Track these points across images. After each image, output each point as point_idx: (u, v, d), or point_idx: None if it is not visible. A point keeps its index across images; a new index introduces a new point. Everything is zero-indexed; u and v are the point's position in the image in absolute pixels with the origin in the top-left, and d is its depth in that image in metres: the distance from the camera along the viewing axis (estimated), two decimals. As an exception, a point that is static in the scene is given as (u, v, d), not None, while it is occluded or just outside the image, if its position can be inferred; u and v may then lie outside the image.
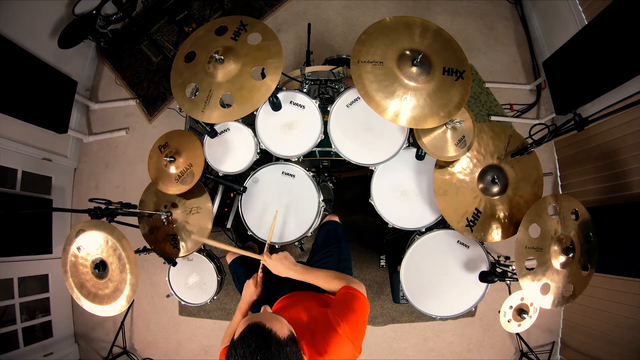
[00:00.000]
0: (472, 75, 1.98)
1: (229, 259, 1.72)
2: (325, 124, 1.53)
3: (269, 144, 1.56)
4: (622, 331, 2.02)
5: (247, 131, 1.59)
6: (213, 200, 1.65)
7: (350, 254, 1.61)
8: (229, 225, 1.85)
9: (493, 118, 2.67)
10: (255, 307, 1.34)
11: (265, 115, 1.57)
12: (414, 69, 1.28)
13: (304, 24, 2.55)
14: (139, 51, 2.97)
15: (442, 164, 1.48)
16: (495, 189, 1.45)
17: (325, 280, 1.13)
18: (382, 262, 2.41)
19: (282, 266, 1.18)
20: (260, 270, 1.32)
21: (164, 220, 1.59)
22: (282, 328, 0.73)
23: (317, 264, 1.51)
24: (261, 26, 1.41)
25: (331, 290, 1.11)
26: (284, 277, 1.21)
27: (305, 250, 2.35)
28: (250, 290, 1.30)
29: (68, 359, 2.52)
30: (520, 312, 1.44)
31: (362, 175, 2.20)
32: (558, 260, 1.31)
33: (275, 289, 1.33)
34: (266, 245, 1.37)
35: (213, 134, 1.58)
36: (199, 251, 1.76)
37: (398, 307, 2.42)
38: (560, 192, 2.54)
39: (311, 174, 1.62)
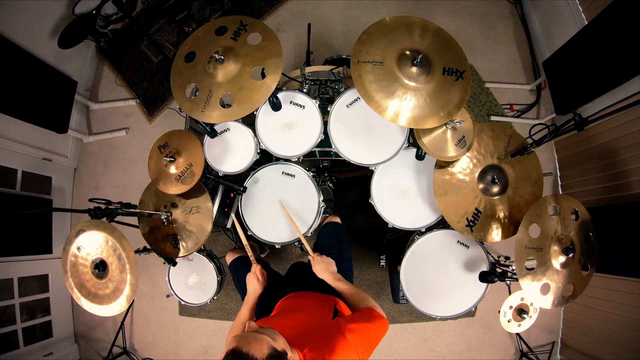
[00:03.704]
0: (472, 75, 1.97)
1: (229, 259, 1.72)
2: (325, 124, 1.53)
3: (269, 144, 1.56)
4: (622, 331, 2.02)
5: (247, 131, 1.59)
6: (213, 200, 1.65)
7: (351, 255, 1.62)
8: (229, 225, 1.84)
9: (493, 118, 2.67)
10: (259, 304, 1.33)
11: (265, 115, 1.57)
12: (414, 69, 1.28)
13: (304, 24, 2.55)
14: (139, 51, 2.97)
15: (442, 164, 1.48)
16: (495, 189, 1.45)
17: (352, 296, 1.15)
18: (382, 262, 2.41)
19: (326, 269, 1.24)
20: (254, 263, 1.34)
21: (164, 220, 1.59)
22: (261, 348, 0.72)
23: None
24: (261, 26, 1.41)
25: (354, 307, 1.12)
26: (285, 280, 1.21)
27: (305, 250, 2.35)
28: (254, 283, 1.31)
29: (68, 359, 2.52)
30: (520, 312, 1.44)
31: (362, 175, 2.20)
32: (558, 260, 1.31)
33: (277, 288, 1.33)
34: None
35: (213, 134, 1.58)
36: (199, 251, 1.76)
37: (398, 307, 2.42)
38: (560, 192, 2.54)
39: (311, 174, 1.62)
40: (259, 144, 1.58)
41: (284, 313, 1.11)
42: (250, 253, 1.35)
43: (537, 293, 1.30)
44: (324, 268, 1.25)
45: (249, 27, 1.42)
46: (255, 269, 1.32)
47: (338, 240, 1.58)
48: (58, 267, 2.39)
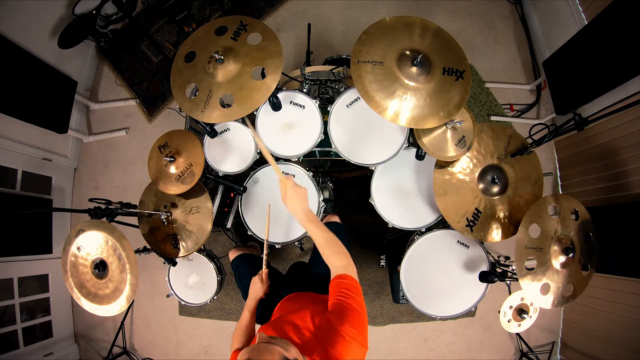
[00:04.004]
0: (472, 75, 1.97)
1: (232, 255, 1.71)
2: (325, 124, 1.53)
3: (269, 144, 1.56)
4: (622, 331, 2.02)
5: (247, 131, 1.59)
6: (213, 200, 1.65)
7: (350, 255, 1.61)
8: (229, 225, 1.85)
9: (493, 118, 2.67)
10: (260, 305, 1.32)
11: (265, 115, 1.57)
12: (414, 69, 1.28)
13: (304, 24, 2.55)
14: (139, 51, 2.97)
15: (442, 164, 1.48)
16: (495, 189, 1.45)
17: (325, 246, 1.06)
18: (382, 262, 2.41)
19: (298, 203, 1.08)
20: (265, 266, 1.32)
21: (164, 220, 1.59)
22: (272, 358, 0.72)
23: (318, 265, 1.51)
24: (261, 26, 1.41)
25: (325, 258, 1.05)
26: (285, 279, 1.20)
27: (305, 250, 2.35)
28: (257, 287, 1.28)
29: (68, 359, 2.52)
30: (520, 312, 1.44)
31: (362, 175, 2.20)
32: (558, 260, 1.31)
33: (276, 290, 1.33)
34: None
35: (213, 134, 1.58)
36: (199, 251, 1.76)
37: (398, 307, 2.42)
38: (560, 192, 2.54)
39: (311, 174, 1.62)
40: (259, 144, 1.58)
41: (287, 318, 1.11)
42: (265, 252, 1.33)
43: (537, 293, 1.30)
44: (295, 199, 1.08)
45: (249, 27, 1.42)
46: (263, 272, 1.30)
47: None
48: (58, 267, 2.39)
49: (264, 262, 1.32)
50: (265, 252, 1.33)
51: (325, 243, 1.06)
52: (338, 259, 1.02)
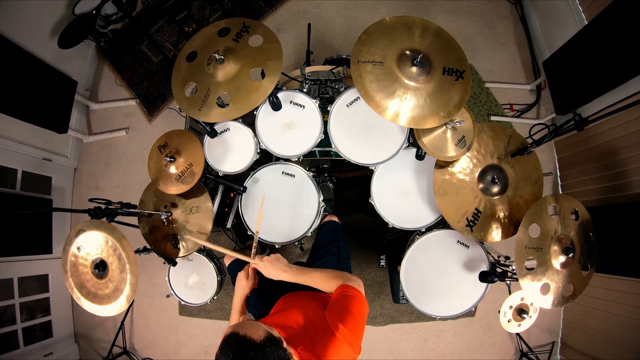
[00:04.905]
0: (472, 75, 1.97)
1: (227, 261, 1.72)
2: (325, 123, 1.53)
3: (269, 143, 1.56)
4: (622, 331, 2.02)
5: (247, 131, 1.59)
6: (213, 200, 1.65)
7: (350, 253, 1.61)
8: (229, 225, 1.84)
9: (493, 118, 2.67)
10: (252, 302, 1.31)
11: (265, 115, 1.57)
12: (414, 69, 1.28)
13: (304, 24, 2.55)
14: (139, 51, 2.97)
15: (442, 164, 1.48)
16: (495, 189, 1.45)
17: (321, 281, 1.10)
18: (382, 262, 2.41)
19: (274, 268, 1.13)
20: (252, 260, 1.23)
21: (164, 220, 1.59)
22: (257, 331, 0.73)
23: (317, 263, 1.51)
24: (263, 28, 1.42)
25: (329, 290, 1.09)
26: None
27: (305, 250, 2.35)
28: (242, 283, 1.22)
29: (68, 359, 2.52)
30: (520, 312, 1.44)
31: (362, 175, 2.20)
32: (558, 260, 1.31)
33: (275, 290, 1.33)
34: (254, 240, 1.27)
35: (213, 133, 1.58)
36: (199, 251, 1.76)
37: (398, 307, 2.42)
38: (560, 192, 2.54)
39: (311, 174, 1.62)
40: (259, 143, 1.58)
41: (278, 314, 1.11)
42: (253, 251, 1.32)
43: (537, 293, 1.30)
44: (274, 268, 1.13)
45: (251, 29, 1.42)
46: (250, 267, 1.23)
47: (335, 239, 1.58)
48: (58, 267, 2.39)
49: (251, 255, 1.21)
50: (254, 244, 1.26)
51: (320, 281, 1.10)
52: (337, 282, 1.05)
